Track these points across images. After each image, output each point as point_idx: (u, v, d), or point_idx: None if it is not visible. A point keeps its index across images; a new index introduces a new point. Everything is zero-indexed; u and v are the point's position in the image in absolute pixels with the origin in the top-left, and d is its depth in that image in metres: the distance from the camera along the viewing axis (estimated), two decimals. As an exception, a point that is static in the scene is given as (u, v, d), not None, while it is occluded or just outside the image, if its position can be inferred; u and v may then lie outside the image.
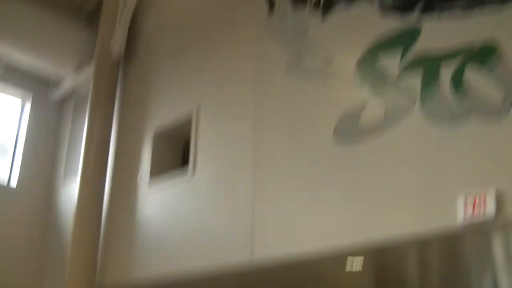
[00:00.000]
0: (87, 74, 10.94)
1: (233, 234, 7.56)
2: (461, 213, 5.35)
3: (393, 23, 6.42)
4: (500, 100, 5.39)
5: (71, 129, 12.20)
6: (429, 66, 5.98)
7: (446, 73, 5.80)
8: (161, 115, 9.60)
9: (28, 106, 12.35)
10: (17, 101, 12.33)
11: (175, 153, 9.66)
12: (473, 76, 5.61)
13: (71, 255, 9.76)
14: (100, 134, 10.22)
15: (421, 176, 5.84)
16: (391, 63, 6.30)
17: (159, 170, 9.32)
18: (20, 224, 11.65)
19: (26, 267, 11.54)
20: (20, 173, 11.82)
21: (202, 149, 8.52)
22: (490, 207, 5.18)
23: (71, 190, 10.74)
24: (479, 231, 5.66)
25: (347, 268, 8.05)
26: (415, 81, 6.02)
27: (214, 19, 9.17)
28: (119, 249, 9.69)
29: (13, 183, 11.76)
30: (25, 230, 11.71)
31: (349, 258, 7.61)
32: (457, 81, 5.69)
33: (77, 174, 10.14)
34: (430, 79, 5.92)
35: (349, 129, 6.51)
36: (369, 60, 6.57)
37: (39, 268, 11.63)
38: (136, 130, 10.04)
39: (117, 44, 10.48)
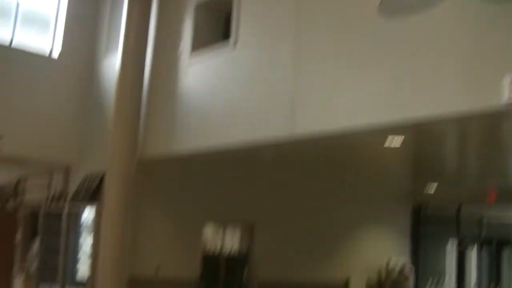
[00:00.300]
0: None
1: (274, 107, 7.58)
2: (506, 93, 5.24)
3: None
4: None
5: (112, 1, 12.08)
6: None
7: None
8: (204, -14, 9.44)
9: (69, -22, 12.21)
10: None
11: (217, 26, 9.54)
12: None
13: (113, 128, 9.95)
14: (141, 6, 10.11)
15: (468, 54, 5.69)
16: None
17: (200, 43, 9.26)
18: (61, 95, 11.79)
19: (67, 140, 11.78)
20: (62, 44, 11.86)
21: (244, 22, 8.39)
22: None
23: (112, 63, 10.77)
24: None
25: (386, 144, 8.09)
26: (469, -49, 5.72)
27: None
28: (160, 122, 9.83)
29: (55, 54, 11.83)
30: (67, 102, 11.85)
31: (389, 135, 7.65)
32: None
33: (118, 47, 10.13)
34: None
35: (395, 2, 6.30)
36: None
37: (80, 141, 11.87)
38: (177, 1, 9.90)
39: None
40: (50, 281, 11.94)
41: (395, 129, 6.95)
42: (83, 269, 11.19)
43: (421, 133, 7.95)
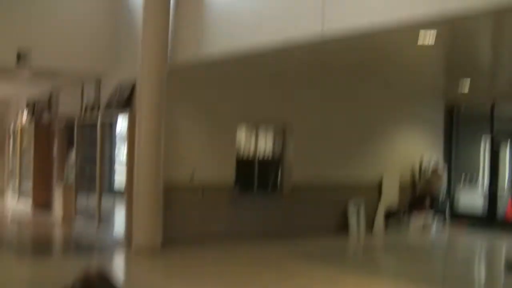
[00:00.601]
0: None
1: (304, 6, 7.41)
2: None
3: None
4: None
5: None
6: None
7: None
8: None
9: None
10: None
11: None
12: None
13: (143, 36, 9.90)
14: None
15: None
16: None
17: None
18: (90, 4, 11.67)
19: (98, 49, 11.72)
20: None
21: None
22: None
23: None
24: None
25: (419, 41, 7.92)
26: None
27: None
28: (189, 27, 9.71)
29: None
30: (96, 11, 11.73)
31: (421, 31, 7.46)
32: None
33: None
34: None
35: None
36: None
37: (111, 50, 11.80)
38: None
39: None
40: (88, 190, 12.24)
41: (427, 24, 6.77)
42: (120, 178, 11.42)
43: (454, 28, 7.76)
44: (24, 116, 16.26)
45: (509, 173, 15.27)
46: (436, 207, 14.73)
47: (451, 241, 13.74)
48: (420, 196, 14.47)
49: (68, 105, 13.79)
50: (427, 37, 7.78)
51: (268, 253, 10.69)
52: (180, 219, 10.90)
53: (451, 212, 15.31)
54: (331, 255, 10.80)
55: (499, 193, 14.95)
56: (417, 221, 14.17)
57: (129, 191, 10.38)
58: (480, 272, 11.05)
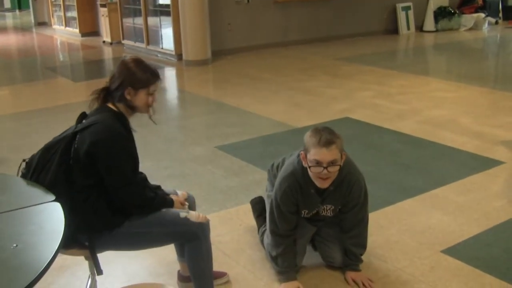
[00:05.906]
0: None
1: None
2: None
3: None
4: None
5: None
6: None
7: None
8: None
9: None
10: None
11: None
12: None
13: None
14: None
15: None
16: None
17: None
18: None
19: None
20: None
21: None
22: None
23: None
24: None
25: None
26: None
27: None
28: None
29: None
30: None
31: None
32: None
33: None
34: None
35: None
36: None
37: None
38: None
39: None
40: (133, 11, 12.13)
41: None
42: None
43: None
44: None
45: None
46: (488, 4, 14.33)
47: (503, 39, 13.36)
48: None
49: None
50: None
51: (318, 56, 10.68)
52: (227, 31, 10.97)
53: (504, 8, 14.86)
54: (380, 56, 10.68)
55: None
56: (468, 19, 13.81)
57: (175, 7, 10.28)
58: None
